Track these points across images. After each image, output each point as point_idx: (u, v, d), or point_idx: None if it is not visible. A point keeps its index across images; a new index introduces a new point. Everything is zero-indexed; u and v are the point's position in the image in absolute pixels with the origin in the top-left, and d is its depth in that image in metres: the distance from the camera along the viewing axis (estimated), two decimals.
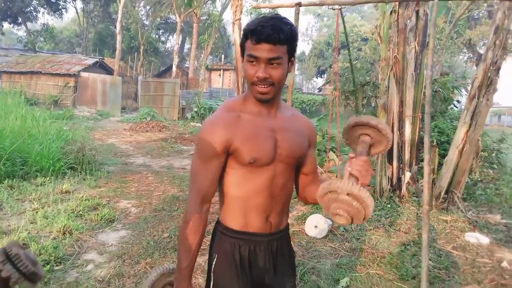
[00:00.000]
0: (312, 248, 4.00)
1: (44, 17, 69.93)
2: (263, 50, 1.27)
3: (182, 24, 26.74)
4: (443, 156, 6.35)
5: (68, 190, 5.40)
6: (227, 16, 68.79)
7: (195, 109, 18.76)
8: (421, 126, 6.00)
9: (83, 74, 20.69)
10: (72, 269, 3.28)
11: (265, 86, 1.32)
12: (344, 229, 4.51)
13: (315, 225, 4.34)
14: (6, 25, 33.00)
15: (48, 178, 5.83)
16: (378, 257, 3.80)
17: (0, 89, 16.86)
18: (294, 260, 1.62)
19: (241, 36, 1.35)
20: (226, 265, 1.43)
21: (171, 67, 27.17)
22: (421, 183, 6.16)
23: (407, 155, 5.74)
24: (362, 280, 3.35)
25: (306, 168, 1.55)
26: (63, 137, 7.23)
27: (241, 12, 7.82)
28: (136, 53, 29.97)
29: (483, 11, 23.60)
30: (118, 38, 23.71)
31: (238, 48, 7.92)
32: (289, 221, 3.06)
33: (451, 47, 21.52)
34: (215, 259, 1.46)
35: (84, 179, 6.12)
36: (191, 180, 1.41)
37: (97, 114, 18.76)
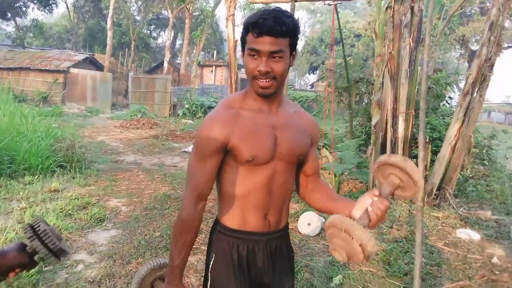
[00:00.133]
0: (305, 246, 3.97)
1: (34, 13, 69.06)
2: (265, 43, 1.24)
3: (174, 20, 26.55)
4: (434, 152, 6.37)
5: (57, 188, 5.31)
6: (220, 12, 68.56)
7: (187, 106, 18.65)
8: (414, 122, 6.01)
9: (73, 70, 20.46)
10: (61, 269, 3.22)
11: (267, 80, 1.28)
12: None
13: (308, 223, 4.32)
14: None
15: (36, 176, 5.73)
16: (370, 254, 3.78)
17: None
18: (293, 260, 1.59)
19: (242, 30, 1.31)
20: (224, 265, 1.41)
21: (162, 63, 27.00)
22: None
23: (400, 152, 5.74)
24: (355, 277, 3.34)
25: (307, 168, 1.52)
26: (52, 135, 7.12)
27: (235, 8, 7.76)
28: (127, 49, 29.71)
29: (475, 8, 23.74)
30: (109, 34, 23.49)
31: (232, 44, 7.87)
32: None
33: (443, 44, 21.63)
34: (212, 259, 1.44)
35: (74, 178, 6.03)
36: (187, 176, 1.38)
37: (87, 111, 18.57)
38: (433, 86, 7.90)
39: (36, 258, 1.09)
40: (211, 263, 1.44)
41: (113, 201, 5.18)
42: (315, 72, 40.82)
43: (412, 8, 5.64)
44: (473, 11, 24.90)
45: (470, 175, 6.76)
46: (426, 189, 5.45)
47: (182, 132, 13.09)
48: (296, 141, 1.41)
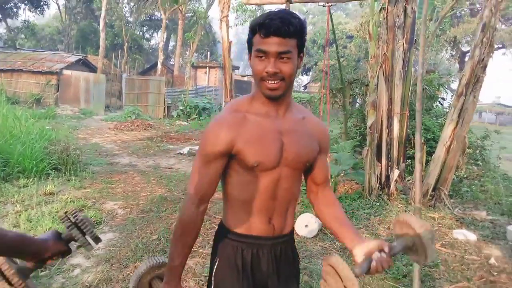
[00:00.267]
0: (303, 248, 3.97)
1: (25, 14, 68.55)
2: (272, 44, 1.23)
3: (167, 21, 26.47)
4: (429, 153, 6.41)
5: (52, 191, 5.26)
6: (212, 13, 68.46)
7: (181, 107, 18.60)
8: (408, 123, 6.04)
9: (66, 72, 20.31)
10: (57, 274, 3.19)
11: (275, 82, 1.26)
12: None
13: (306, 224, 4.31)
14: None
15: (31, 179, 5.68)
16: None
17: None
18: (298, 265, 1.58)
19: (248, 32, 1.29)
20: (228, 269, 1.40)
21: (155, 64, 26.90)
22: (408, 180, 6.21)
23: (395, 153, 5.76)
24: None
25: (316, 176, 1.50)
26: (46, 137, 7.05)
27: (228, 9, 7.74)
28: (120, 51, 29.56)
29: (465, 9, 23.96)
30: (102, 35, 23.35)
31: (226, 45, 7.85)
32: None
33: (435, 45, 21.80)
34: (216, 263, 1.43)
35: (69, 180, 5.98)
36: (191, 178, 1.37)
37: (80, 113, 18.44)
38: (426, 87, 7.96)
39: (76, 245, 1.15)
40: (215, 267, 1.44)
41: (109, 203, 5.14)
42: (308, 73, 40.89)
43: (405, 10, 5.68)
44: (463, 12, 25.14)
45: (465, 176, 6.81)
46: (422, 190, 5.48)
47: (176, 134, 13.04)
48: (303, 147, 1.38)
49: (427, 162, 6.13)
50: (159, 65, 24.86)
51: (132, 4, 32.24)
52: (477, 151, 7.78)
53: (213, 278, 1.44)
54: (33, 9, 32.30)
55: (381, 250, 1.23)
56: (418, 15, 6.02)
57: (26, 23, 31.37)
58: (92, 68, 23.19)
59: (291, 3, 4.54)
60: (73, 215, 1.14)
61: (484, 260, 3.86)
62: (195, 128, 15.04)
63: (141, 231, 4.20)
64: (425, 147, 6.39)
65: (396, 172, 5.63)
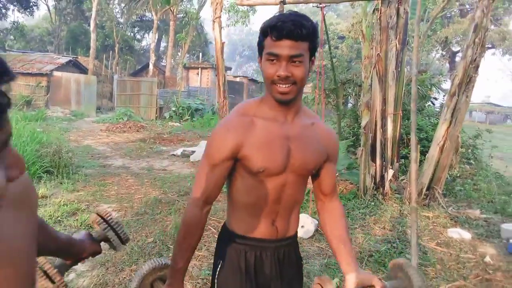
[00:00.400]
0: (299, 249, 3.96)
1: (14, 15, 67.78)
2: (284, 47, 1.20)
3: (158, 22, 26.36)
4: (422, 152, 6.45)
5: (44, 195, 5.19)
6: (204, 14, 68.32)
7: (173, 109, 18.52)
8: (401, 123, 6.07)
9: (56, 73, 20.10)
10: None
11: (287, 86, 1.24)
12: None
13: (302, 225, 4.31)
14: None
15: None
16: (366, 256, 3.80)
17: None
18: (302, 268, 1.58)
19: (259, 34, 1.27)
20: (231, 272, 1.40)
21: (147, 65, 26.76)
22: (401, 179, 6.24)
23: (389, 153, 5.79)
24: None
25: (323, 185, 1.49)
26: (37, 140, 6.96)
27: (221, 10, 7.73)
28: (111, 52, 29.37)
29: (455, 10, 24.19)
30: (92, 36, 23.18)
31: (219, 46, 7.84)
32: None
33: (426, 45, 21.98)
34: (219, 265, 1.43)
35: (61, 183, 5.91)
36: (195, 180, 1.37)
37: (71, 114, 18.26)
38: (419, 87, 8.02)
39: (109, 246, 1.22)
40: (218, 269, 1.43)
41: (103, 206, 5.08)
42: None
43: (397, 11, 5.71)
44: (453, 13, 25.38)
45: (458, 175, 6.87)
46: (417, 189, 5.50)
47: (169, 135, 12.97)
48: (310, 154, 1.36)
49: (421, 161, 6.16)
50: (150, 66, 24.73)
51: (123, 5, 32.05)
52: (469, 150, 7.85)
53: (216, 281, 1.44)
54: (22, 10, 31.89)
55: (372, 287, 1.28)
56: (410, 16, 6.06)
57: (15, 24, 30.98)
58: (82, 70, 23.00)
59: (284, 4, 4.54)
60: (108, 217, 1.19)
61: (479, 259, 3.88)
62: (188, 129, 14.98)
63: (136, 234, 4.16)
64: (418, 146, 6.42)
65: (390, 172, 5.66)
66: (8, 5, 31.22)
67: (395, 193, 5.72)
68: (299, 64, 1.22)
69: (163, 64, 32.71)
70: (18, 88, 19.62)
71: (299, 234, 4.28)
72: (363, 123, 5.68)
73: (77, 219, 4.39)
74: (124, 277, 3.20)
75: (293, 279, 1.49)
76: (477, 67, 5.32)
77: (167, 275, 1.42)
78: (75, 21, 34.82)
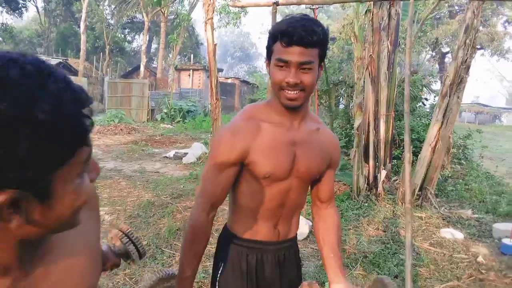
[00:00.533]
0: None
1: (3, 16, 66.86)
2: (294, 54, 1.18)
3: (149, 24, 26.25)
4: (413, 153, 6.49)
5: None
6: (195, 15, 68.21)
7: (165, 110, 18.43)
8: (394, 124, 6.10)
9: None
10: None
11: (295, 92, 1.23)
12: None
13: None
14: None
15: None
16: (360, 257, 3.81)
17: None
18: (301, 270, 1.58)
19: (268, 38, 1.26)
20: (233, 274, 1.40)
21: (138, 67, 26.63)
22: (394, 180, 6.27)
23: (382, 154, 5.82)
24: None
25: (321, 191, 1.48)
26: None
27: (213, 11, 7.70)
28: (101, 53, 29.15)
29: (444, 11, 24.44)
30: (83, 38, 23.02)
31: (211, 48, 7.80)
32: None
33: (416, 47, 22.18)
34: (221, 268, 1.42)
35: None
36: (201, 185, 1.35)
37: None
38: (410, 88, 8.08)
39: (124, 260, 1.24)
40: (219, 272, 1.43)
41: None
42: None
43: (389, 12, 5.75)
44: (442, 14, 25.64)
45: (449, 175, 6.92)
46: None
47: (161, 137, 12.90)
48: (314, 159, 1.36)
49: (413, 162, 6.19)
50: (142, 68, 24.61)
51: (113, 6, 31.85)
52: (460, 151, 7.93)
53: (217, 283, 1.43)
54: (11, 11, 31.59)
55: None
56: (402, 17, 6.11)
57: (4, 25, 30.66)
58: (73, 72, 22.82)
59: (277, 5, 4.54)
60: (129, 233, 1.22)
61: (472, 259, 3.92)
62: (180, 131, 14.92)
63: None
64: (411, 147, 6.46)
65: (383, 173, 5.68)
66: None
67: (388, 193, 5.75)
68: (308, 71, 1.21)
69: (154, 65, 32.61)
70: None
71: None
72: (356, 124, 5.70)
73: None
74: (118, 281, 3.17)
75: (293, 281, 1.49)
76: (468, 68, 5.37)
77: (174, 285, 1.40)
78: (65, 23, 34.54)
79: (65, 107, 0.51)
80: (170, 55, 30.11)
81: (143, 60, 24.62)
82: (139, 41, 39.81)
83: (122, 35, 36.77)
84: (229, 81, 27.67)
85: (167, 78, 25.60)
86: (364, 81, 5.71)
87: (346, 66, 10.80)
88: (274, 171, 1.29)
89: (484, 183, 6.63)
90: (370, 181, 5.69)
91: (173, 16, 28.73)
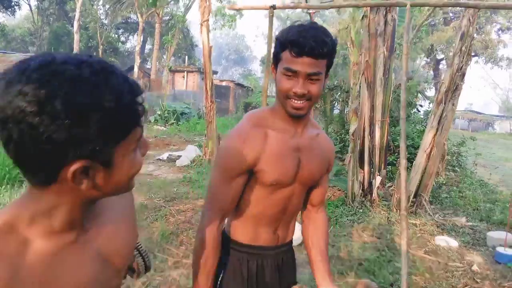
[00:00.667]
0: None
1: None
2: (304, 64, 1.18)
3: (143, 24, 26.14)
4: (407, 159, 6.48)
5: None
6: (190, 17, 68.16)
7: (159, 112, 18.30)
8: (389, 130, 6.10)
9: None
10: None
11: (302, 102, 1.23)
12: None
13: None
14: None
15: (3, 187, 5.42)
16: (355, 264, 3.77)
17: None
18: (295, 273, 1.60)
19: (277, 44, 1.24)
20: (234, 281, 1.39)
21: (132, 68, 26.46)
22: (388, 186, 6.25)
23: (377, 159, 5.81)
24: None
25: (315, 195, 1.50)
26: None
27: (209, 14, 7.67)
28: (94, 53, 28.89)
29: (439, 18, 24.64)
30: (76, 37, 22.86)
31: (206, 51, 7.76)
32: None
33: (412, 53, 22.35)
34: (221, 274, 1.40)
35: None
36: (210, 196, 1.32)
37: None
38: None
39: (134, 272, 1.23)
40: (220, 278, 1.40)
41: None
42: None
43: (385, 18, 5.75)
44: (437, 21, 25.85)
45: (443, 182, 6.93)
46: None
47: (155, 139, 12.78)
48: (317, 165, 1.39)
49: (407, 168, 6.20)
50: (135, 69, 24.47)
51: (107, 6, 31.69)
52: (454, 158, 7.95)
53: None
54: (3, 9, 31.27)
55: None
56: (398, 23, 6.11)
57: None
58: None
59: (274, 9, 4.50)
60: (139, 246, 1.22)
61: (467, 267, 3.90)
62: (173, 133, 14.81)
63: None
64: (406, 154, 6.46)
65: (378, 179, 5.67)
66: None
67: (383, 200, 5.73)
68: (316, 82, 1.22)
69: (148, 67, 32.44)
70: None
71: None
72: (351, 130, 5.67)
73: None
74: None
75: (291, 285, 1.50)
76: (463, 75, 5.38)
77: None
78: (58, 22, 34.24)
79: (124, 97, 0.65)
80: (165, 57, 29.98)
81: (137, 61, 24.49)
82: (133, 41, 39.70)
83: (116, 35, 36.59)
84: (224, 83, 27.60)
85: (161, 80, 25.47)
86: (360, 87, 5.70)
87: (342, 71, 10.81)
88: (281, 178, 1.29)
89: (478, 191, 6.65)
90: (365, 187, 5.67)
91: (168, 17, 28.64)
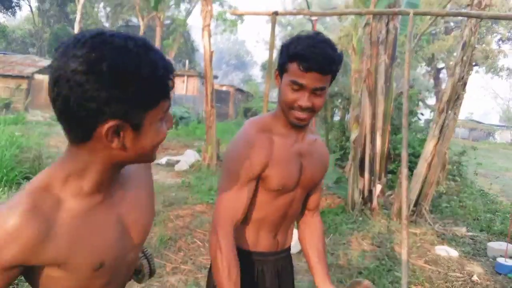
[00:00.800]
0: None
1: None
2: (311, 79, 1.20)
3: (144, 28, 26.19)
4: (409, 168, 6.46)
5: None
6: (191, 21, 68.38)
7: None
8: (390, 138, 6.07)
9: (37, 76, 19.67)
10: None
11: (305, 113, 1.26)
12: None
13: None
14: None
15: (1, 189, 5.36)
16: (354, 272, 3.74)
17: None
18: (294, 280, 1.59)
19: (283, 54, 1.24)
20: None
21: None
22: (388, 195, 6.22)
23: (377, 168, 5.78)
24: None
25: (311, 200, 1.52)
26: (16, 144, 6.72)
27: (210, 18, 7.67)
28: None
29: (440, 27, 24.73)
30: None
31: (208, 55, 7.76)
32: None
33: (413, 62, 22.42)
34: None
35: None
36: (222, 203, 1.28)
37: (52, 119, 17.80)
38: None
39: (139, 275, 1.21)
40: None
41: None
42: None
43: (388, 26, 5.75)
44: (438, 30, 25.94)
45: (444, 192, 6.90)
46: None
47: None
48: (317, 170, 1.42)
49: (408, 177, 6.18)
50: None
51: (108, 9, 31.77)
52: (455, 167, 7.92)
53: None
54: (4, 10, 31.32)
55: None
56: (400, 31, 6.11)
57: None
58: None
59: (277, 15, 4.50)
60: (145, 249, 1.21)
61: (467, 277, 3.86)
62: (172, 137, 14.77)
63: None
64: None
65: (378, 187, 5.64)
66: None
67: (383, 208, 5.70)
68: (320, 95, 1.24)
69: None
70: None
71: None
72: (352, 137, 5.66)
73: None
74: None
75: None
76: (464, 84, 5.37)
77: None
78: (59, 24, 34.27)
79: (159, 70, 0.74)
80: None
81: None
82: None
83: None
84: (224, 88, 27.61)
85: None
86: (361, 94, 5.68)
87: (342, 78, 10.82)
88: (286, 183, 1.31)
89: (478, 201, 6.62)
90: (365, 195, 5.63)
91: (168, 21, 28.70)
